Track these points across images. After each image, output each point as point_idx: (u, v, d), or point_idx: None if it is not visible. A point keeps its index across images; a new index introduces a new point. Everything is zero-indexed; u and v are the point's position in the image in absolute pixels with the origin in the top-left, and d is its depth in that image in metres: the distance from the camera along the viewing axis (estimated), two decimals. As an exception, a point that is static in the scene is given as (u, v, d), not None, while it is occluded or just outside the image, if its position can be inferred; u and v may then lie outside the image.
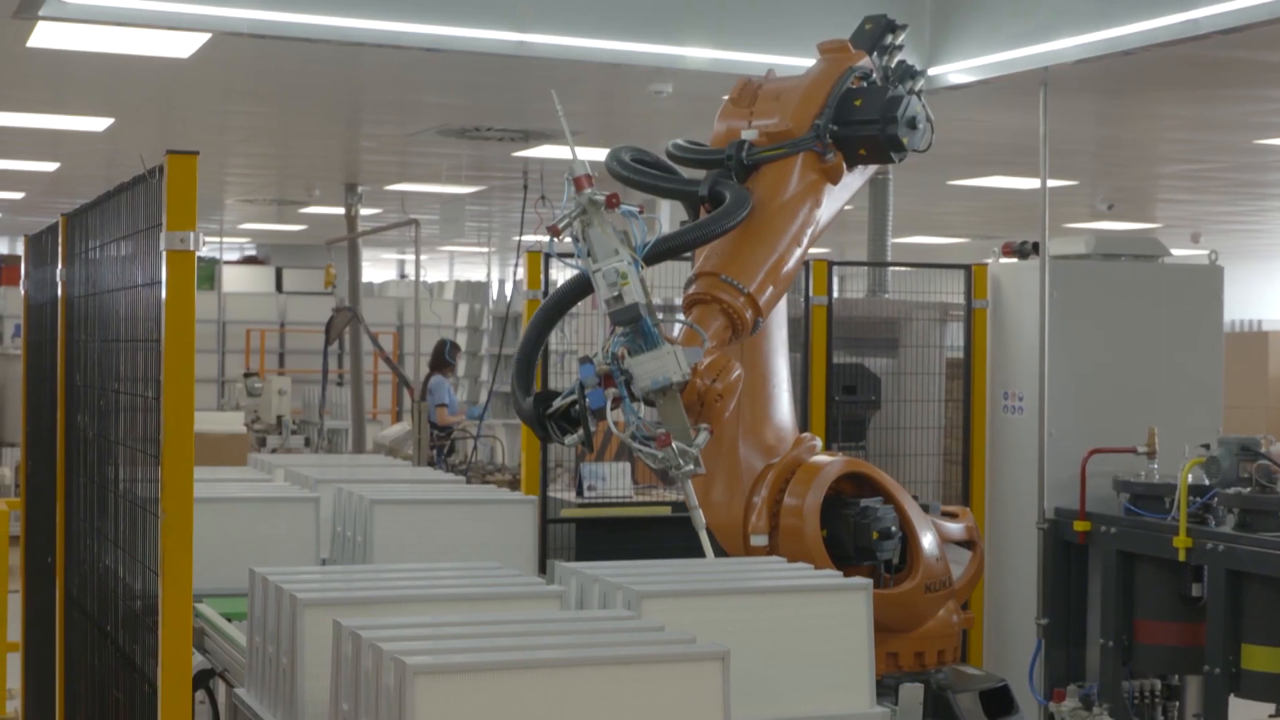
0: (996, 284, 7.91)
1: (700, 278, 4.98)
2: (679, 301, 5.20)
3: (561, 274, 6.82)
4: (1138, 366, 7.59)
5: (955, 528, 5.55)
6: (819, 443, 5.38)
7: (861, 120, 5.15)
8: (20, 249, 6.88)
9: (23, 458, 6.66)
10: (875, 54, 5.47)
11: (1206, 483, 6.62)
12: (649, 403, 4.45)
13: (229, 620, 4.70)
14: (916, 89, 5.47)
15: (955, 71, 8.06)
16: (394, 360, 17.19)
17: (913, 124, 5.17)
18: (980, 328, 7.90)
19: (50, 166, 14.74)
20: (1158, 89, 9.35)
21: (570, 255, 4.56)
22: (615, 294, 4.36)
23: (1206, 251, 8.02)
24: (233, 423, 13.90)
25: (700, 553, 4.45)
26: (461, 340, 20.29)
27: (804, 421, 7.34)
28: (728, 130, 5.29)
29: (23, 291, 6.40)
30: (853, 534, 5.09)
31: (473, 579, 4.01)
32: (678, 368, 4.39)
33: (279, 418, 16.21)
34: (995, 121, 10.42)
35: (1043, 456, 7.41)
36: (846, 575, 4.08)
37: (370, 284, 28.36)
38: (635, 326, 4.39)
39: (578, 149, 4.53)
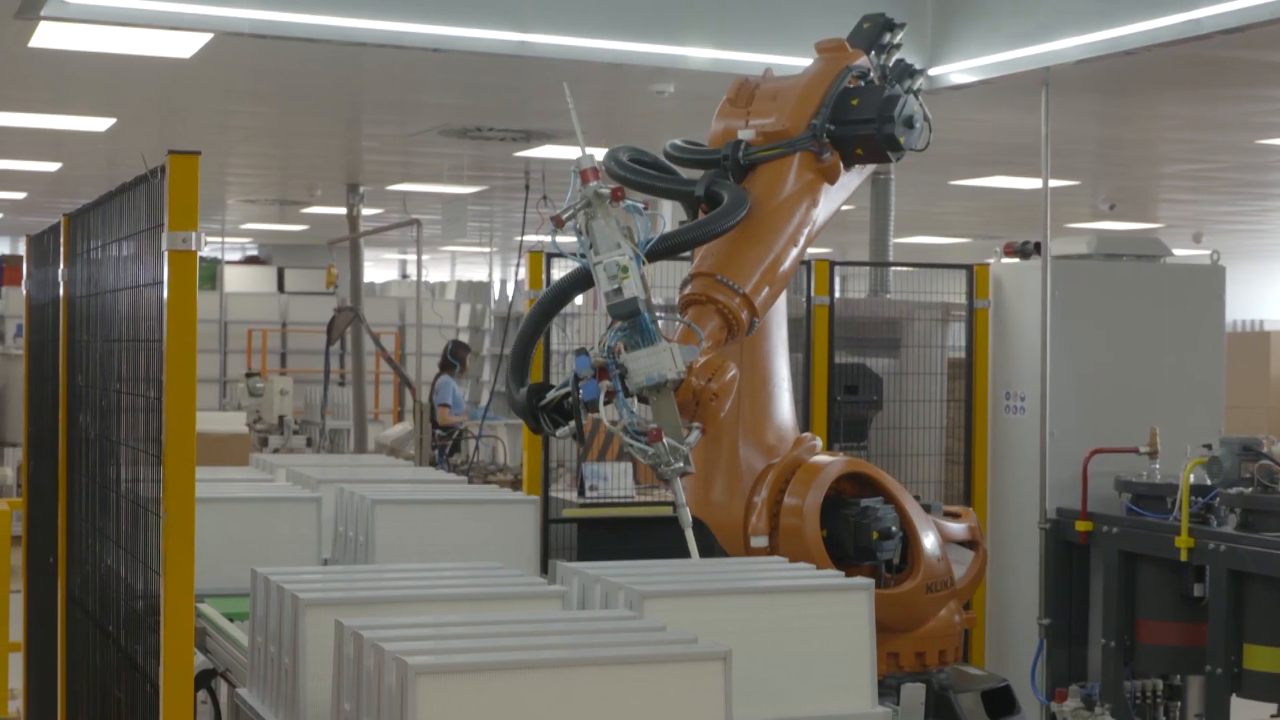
0: (998, 284, 7.91)
1: (696, 278, 4.97)
2: (677, 301, 5.20)
3: (563, 272, 6.82)
4: (1139, 366, 7.59)
5: (958, 528, 5.54)
6: (819, 443, 5.37)
7: (858, 120, 5.14)
8: (22, 249, 6.88)
9: (24, 458, 6.66)
10: (873, 53, 5.45)
11: (1208, 483, 6.62)
12: (642, 399, 4.45)
13: (231, 620, 4.70)
14: (915, 87, 5.45)
15: (957, 71, 8.06)
16: (395, 360, 17.19)
17: (910, 123, 5.16)
18: (982, 328, 7.90)
19: (52, 167, 14.74)
20: (1159, 89, 9.34)
21: (572, 253, 4.56)
22: (615, 287, 4.37)
23: (1208, 251, 8.02)
24: (234, 423, 13.89)
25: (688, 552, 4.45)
26: (462, 340, 20.28)
27: (806, 421, 7.34)
28: (725, 130, 5.27)
29: (25, 292, 6.40)
30: (853, 534, 5.08)
31: (474, 579, 4.01)
32: (673, 365, 4.39)
33: (281, 418, 16.21)
34: (997, 121, 10.42)
35: (1044, 456, 7.41)
36: (848, 575, 4.08)
37: (372, 284, 28.35)
38: (633, 322, 4.39)
39: (579, 147, 4.53)
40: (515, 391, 4.76)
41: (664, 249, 4.79)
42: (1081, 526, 7.20)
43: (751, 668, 3.63)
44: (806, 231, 5.15)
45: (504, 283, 27.23)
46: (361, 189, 15.77)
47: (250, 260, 28.72)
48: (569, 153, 12.19)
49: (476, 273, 30.84)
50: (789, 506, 5.10)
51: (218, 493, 5.40)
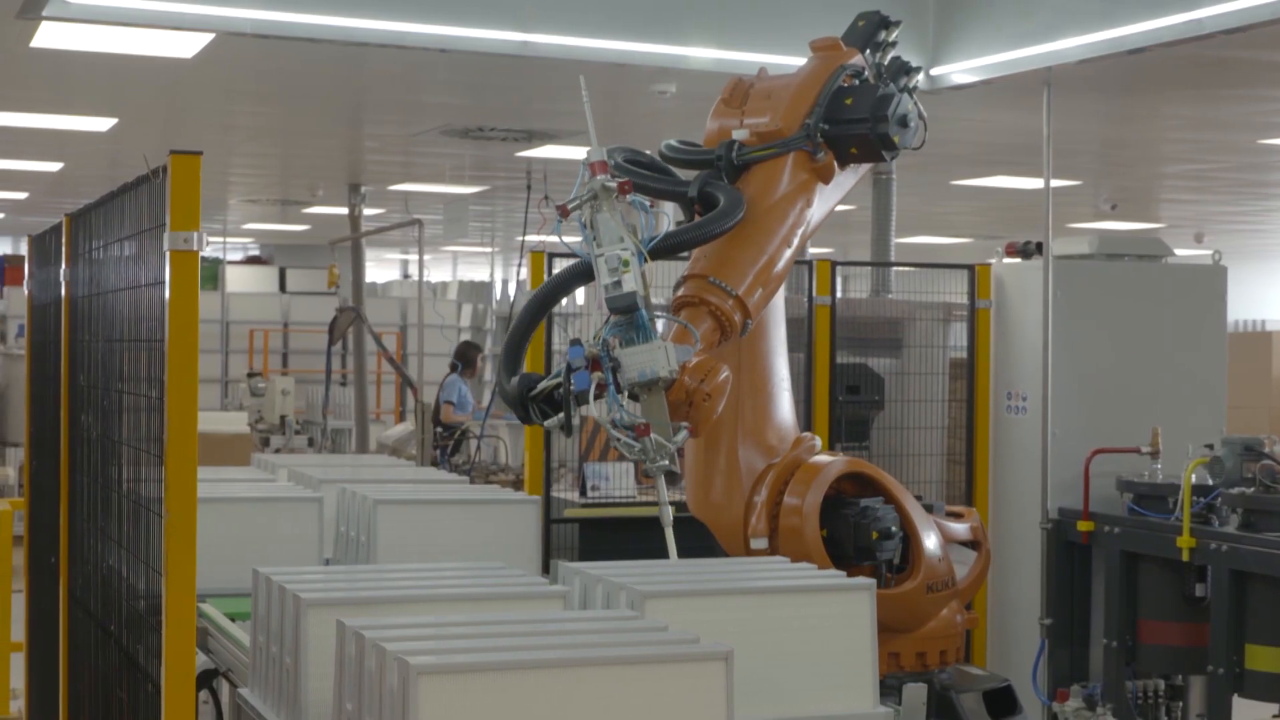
0: (1000, 284, 7.92)
1: (689, 280, 4.96)
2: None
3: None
4: (1141, 366, 7.59)
5: (960, 528, 5.54)
6: (819, 442, 5.36)
7: (852, 119, 5.11)
8: (24, 249, 6.88)
9: (26, 458, 6.66)
10: (869, 51, 5.41)
11: (1210, 483, 6.62)
12: (633, 396, 4.44)
13: (232, 620, 4.69)
14: (912, 85, 5.41)
15: (958, 71, 8.06)
16: (397, 360, 17.19)
17: (904, 122, 5.14)
18: (984, 328, 7.90)
19: (54, 167, 14.75)
20: (1161, 89, 9.34)
21: (573, 250, 4.56)
22: (615, 280, 4.37)
23: (1210, 251, 8.02)
24: (236, 423, 13.88)
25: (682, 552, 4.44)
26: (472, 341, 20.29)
27: (807, 421, 7.34)
28: (720, 130, 5.25)
29: (26, 292, 6.41)
30: (852, 534, 5.08)
31: (476, 579, 4.00)
32: (666, 363, 4.39)
33: (282, 418, 16.21)
34: (998, 121, 10.42)
35: (1046, 456, 7.41)
36: (848, 575, 4.08)
37: (374, 284, 28.34)
38: (630, 317, 4.39)
39: (581, 147, 4.52)
40: (507, 380, 4.75)
41: (665, 247, 4.78)
42: (1083, 526, 7.20)
43: (753, 668, 3.63)
44: (801, 232, 5.12)
45: (506, 283, 27.25)
46: (363, 189, 15.77)
47: (252, 260, 28.73)
48: (571, 153, 12.19)
49: (478, 273, 30.85)
50: (789, 506, 5.10)
51: (219, 493, 5.40)
